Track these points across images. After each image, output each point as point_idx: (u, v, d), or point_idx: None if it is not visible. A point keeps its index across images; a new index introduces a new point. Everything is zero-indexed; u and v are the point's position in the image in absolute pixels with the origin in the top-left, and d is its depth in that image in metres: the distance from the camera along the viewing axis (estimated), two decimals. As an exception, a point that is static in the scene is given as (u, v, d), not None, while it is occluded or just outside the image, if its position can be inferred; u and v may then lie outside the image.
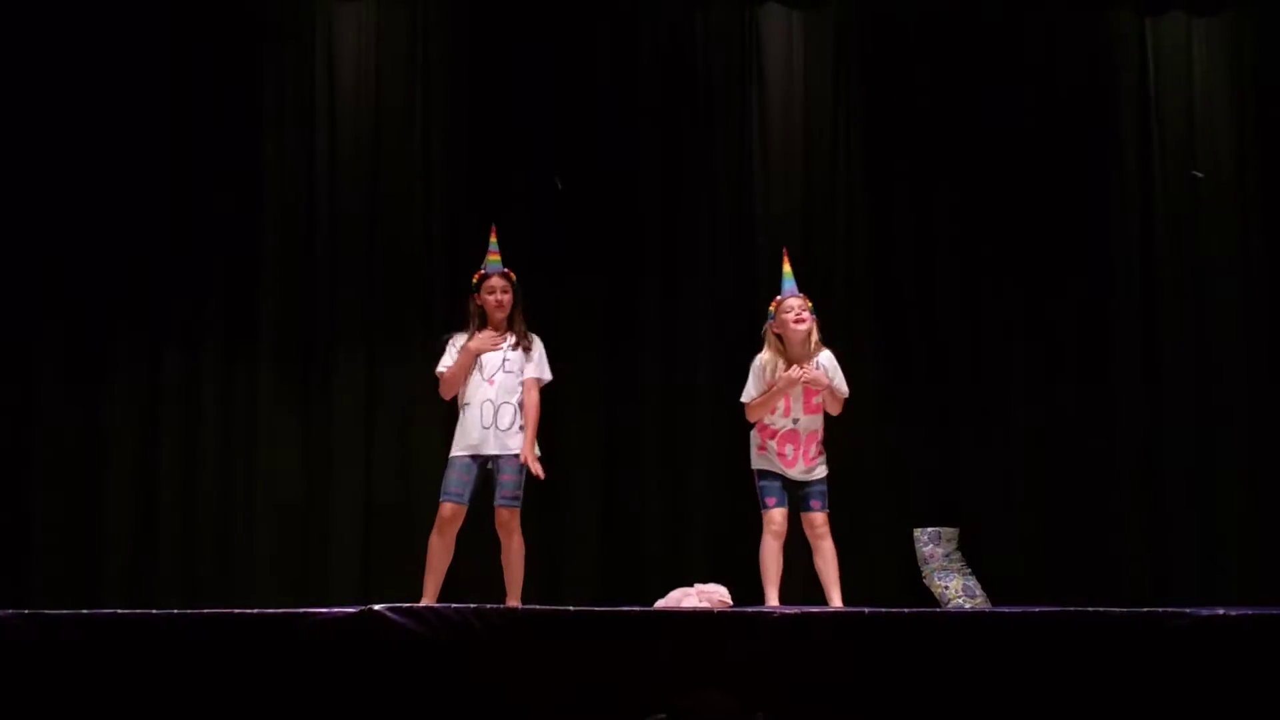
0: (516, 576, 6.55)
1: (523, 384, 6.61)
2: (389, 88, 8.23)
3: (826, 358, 6.70)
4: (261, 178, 8.06)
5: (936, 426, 8.27)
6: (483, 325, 6.66)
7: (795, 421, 6.60)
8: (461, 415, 6.59)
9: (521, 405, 6.58)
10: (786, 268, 6.81)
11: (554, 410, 8.03)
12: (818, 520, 6.57)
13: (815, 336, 6.70)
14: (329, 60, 8.19)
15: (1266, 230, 8.50)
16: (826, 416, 6.73)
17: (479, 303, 6.69)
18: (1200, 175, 8.52)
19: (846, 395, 6.72)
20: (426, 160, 8.19)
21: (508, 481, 6.51)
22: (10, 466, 7.81)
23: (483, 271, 6.72)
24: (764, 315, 6.93)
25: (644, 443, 8.14)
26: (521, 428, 6.55)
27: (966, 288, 8.38)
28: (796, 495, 6.61)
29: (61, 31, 7.99)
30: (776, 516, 6.55)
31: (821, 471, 6.63)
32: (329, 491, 7.89)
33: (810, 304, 6.73)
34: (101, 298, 7.93)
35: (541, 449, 7.96)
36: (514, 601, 6.47)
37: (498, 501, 6.52)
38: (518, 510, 6.55)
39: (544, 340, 6.64)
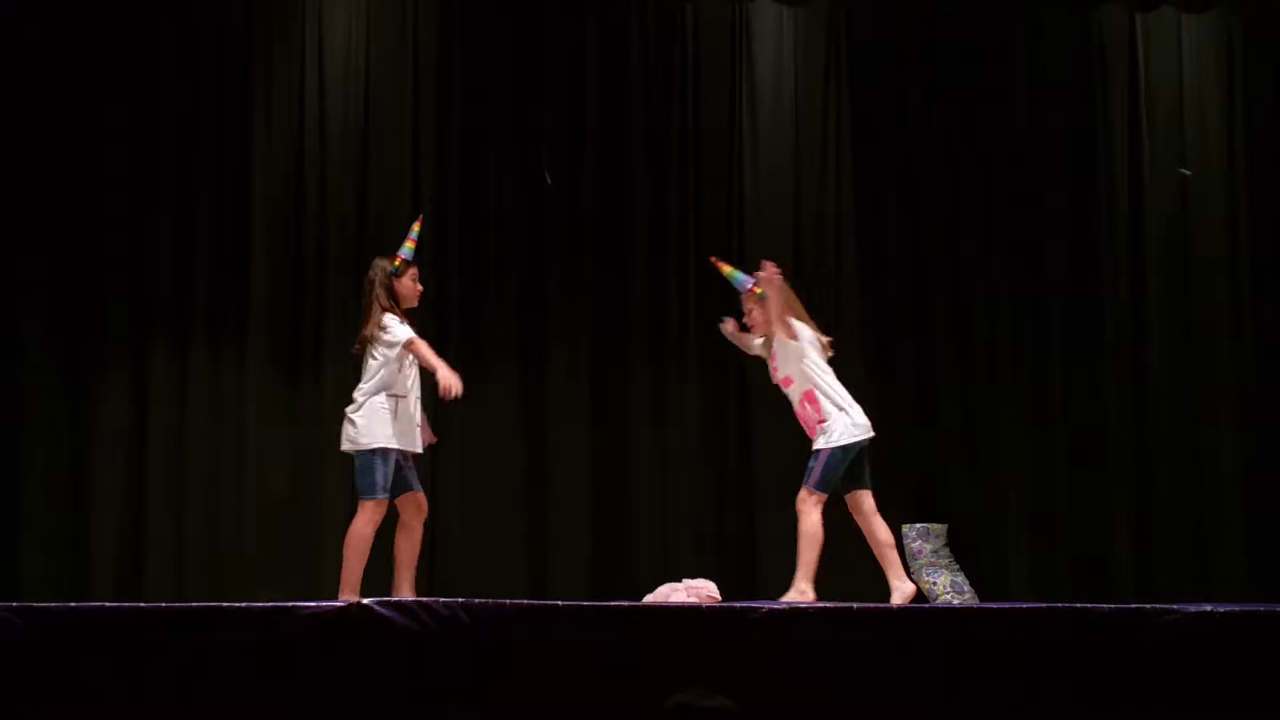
0: (414, 559, 6.50)
1: (406, 346, 6.37)
2: (378, 85, 8.19)
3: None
4: (250, 176, 8.03)
5: (925, 423, 8.28)
6: (391, 307, 6.44)
7: (780, 389, 6.71)
8: (391, 406, 6.39)
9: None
10: (724, 269, 6.85)
11: (543, 407, 8.07)
12: (802, 494, 6.52)
13: (775, 314, 6.60)
14: (318, 55, 8.16)
15: (1255, 225, 8.52)
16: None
17: (395, 288, 6.49)
18: (1188, 172, 8.54)
19: (778, 314, 6.56)
20: (415, 157, 8.15)
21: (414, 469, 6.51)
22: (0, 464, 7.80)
23: (403, 259, 6.55)
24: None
25: (632, 438, 8.13)
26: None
27: (956, 283, 8.39)
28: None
29: (51, 28, 7.96)
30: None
31: (819, 442, 6.57)
32: (317, 489, 7.86)
33: (759, 292, 6.69)
34: (90, 297, 7.89)
35: (530, 446, 8.04)
36: (410, 587, 6.42)
37: (419, 488, 6.49)
38: None
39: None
